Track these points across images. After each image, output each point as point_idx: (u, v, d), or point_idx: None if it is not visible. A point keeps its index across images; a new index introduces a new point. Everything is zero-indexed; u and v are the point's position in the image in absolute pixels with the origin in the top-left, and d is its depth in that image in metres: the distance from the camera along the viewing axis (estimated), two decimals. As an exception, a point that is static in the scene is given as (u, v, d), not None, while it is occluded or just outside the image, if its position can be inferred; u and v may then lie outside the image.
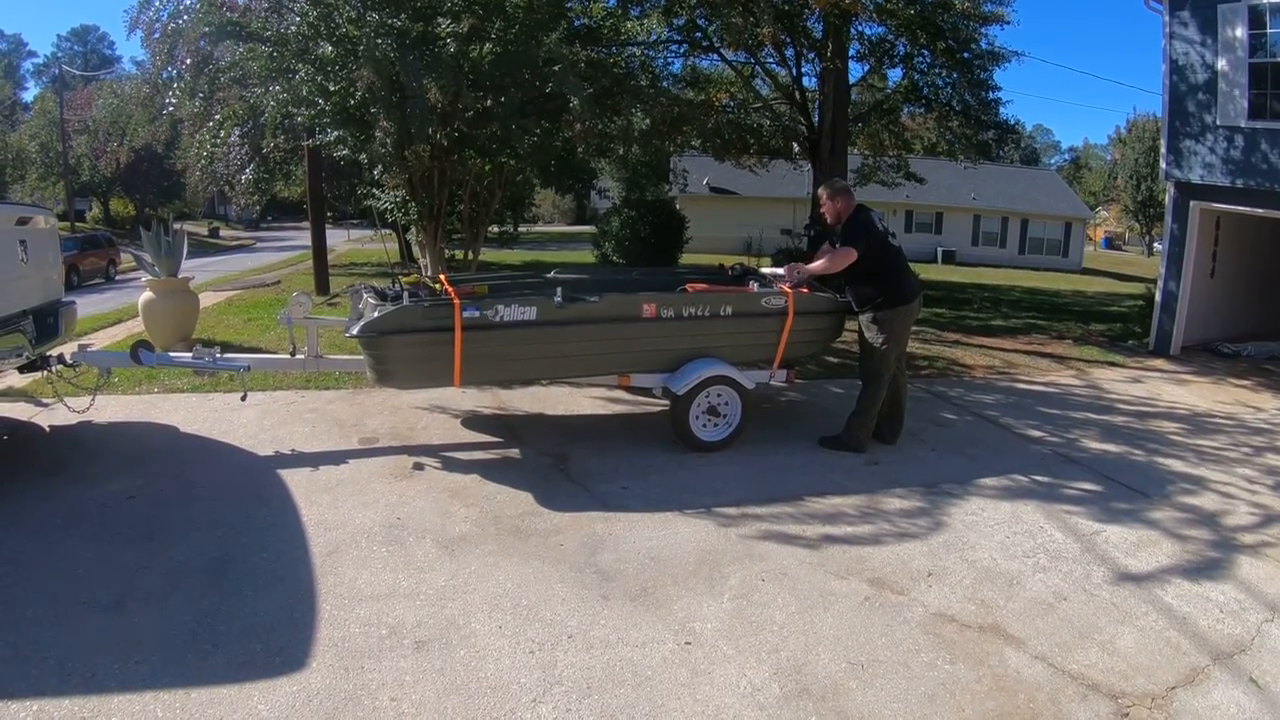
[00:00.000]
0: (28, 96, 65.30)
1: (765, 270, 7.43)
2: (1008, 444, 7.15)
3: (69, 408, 6.56)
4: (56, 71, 52.53)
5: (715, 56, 18.21)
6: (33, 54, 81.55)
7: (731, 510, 5.26)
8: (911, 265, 6.75)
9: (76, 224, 41.33)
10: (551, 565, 4.43)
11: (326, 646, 3.59)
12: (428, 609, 3.93)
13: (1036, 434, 7.42)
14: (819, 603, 4.16)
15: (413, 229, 12.65)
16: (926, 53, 16.94)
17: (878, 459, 6.44)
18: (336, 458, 6.00)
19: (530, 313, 5.76)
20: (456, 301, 5.64)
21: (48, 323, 6.26)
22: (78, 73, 56.69)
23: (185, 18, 8.23)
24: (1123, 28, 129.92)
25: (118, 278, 25.66)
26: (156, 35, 8.26)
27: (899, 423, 6.86)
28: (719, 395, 6.36)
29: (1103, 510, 5.59)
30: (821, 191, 6.84)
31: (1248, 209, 11.36)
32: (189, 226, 48.34)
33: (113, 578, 4.14)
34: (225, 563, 4.33)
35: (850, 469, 6.18)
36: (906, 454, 6.64)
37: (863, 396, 6.60)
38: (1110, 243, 66.03)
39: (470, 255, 12.34)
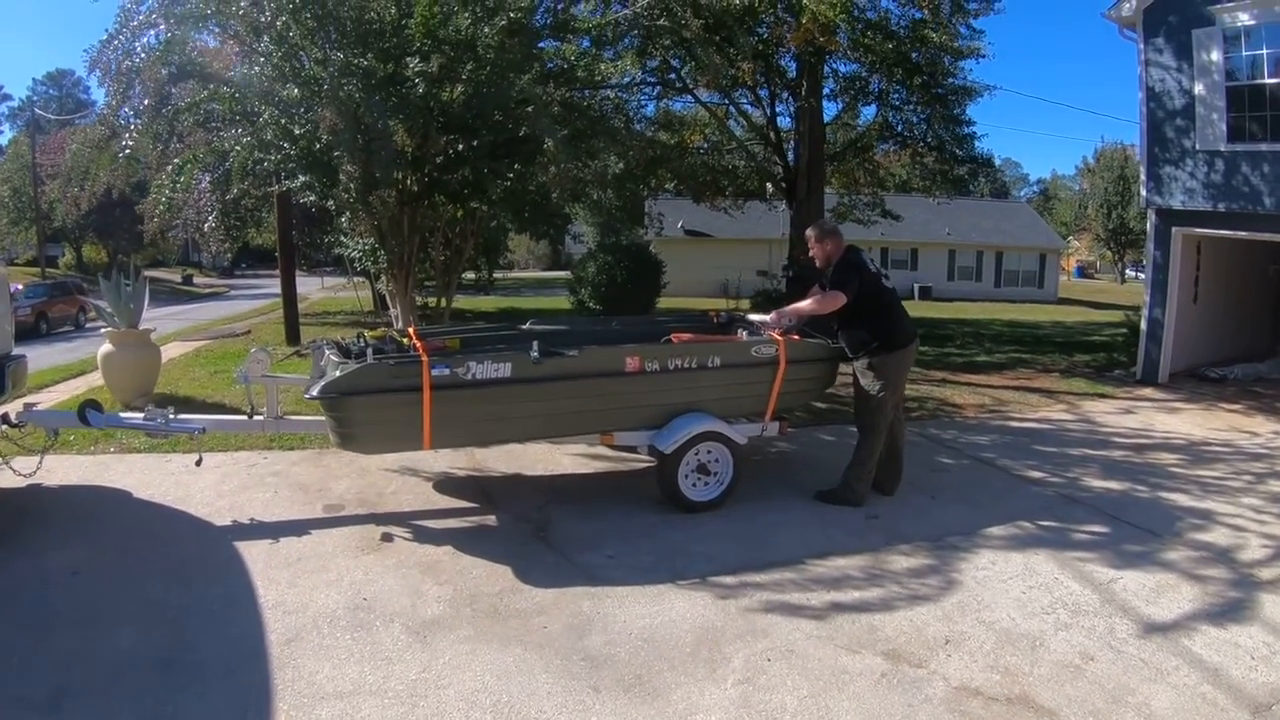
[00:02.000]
0: (1, 140, 64.99)
1: (753, 317, 7.12)
2: (1009, 487, 6.89)
3: (15, 471, 6.14)
4: (30, 115, 52.07)
5: (689, 98, 18.17)
6: (7, 97, 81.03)
7: (729, 579, 4.89)
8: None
9: (48, 270, 40.98)
10: (534, 651, 4.02)
11: (283, 756, 3.19)
12: (396, 709, 3.52)
13: (1036, 474, 7.20)
14: (832, 683, 3.79)
15: (383, 277, 12.33)
16: (901, 89, 16.94)
17: (877, 512, 6.11)
18: (299, 528, 5.60)
19: (505, 369, 5.40)
20: (425, 359, 5.28)
21: None
22: (51, 116, 56.16)
23: (141, 55, 7.91)
24: (1088, 57, 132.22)
25: (87, 325, 25.07)
26: (113, 72, 7.93)
27: (897, 472, 6.53)
28: (709, 452, 6.00)
29: (1116, 555, 5.35)
30: (810, 233, 6.53)
31: (1230, 232, 11.36)
32: (161, 273, 48.31)
33: (50, 668, 3.76)
34: (174, 651, 3.93)
35: (850, 525, 5.84)
36: (907, 504, 6.32)
37: (860, 447, 6.26)
38: (1083, 271, 66.81)
39: (443, 303, 12.01)
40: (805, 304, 6.34)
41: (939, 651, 4.10)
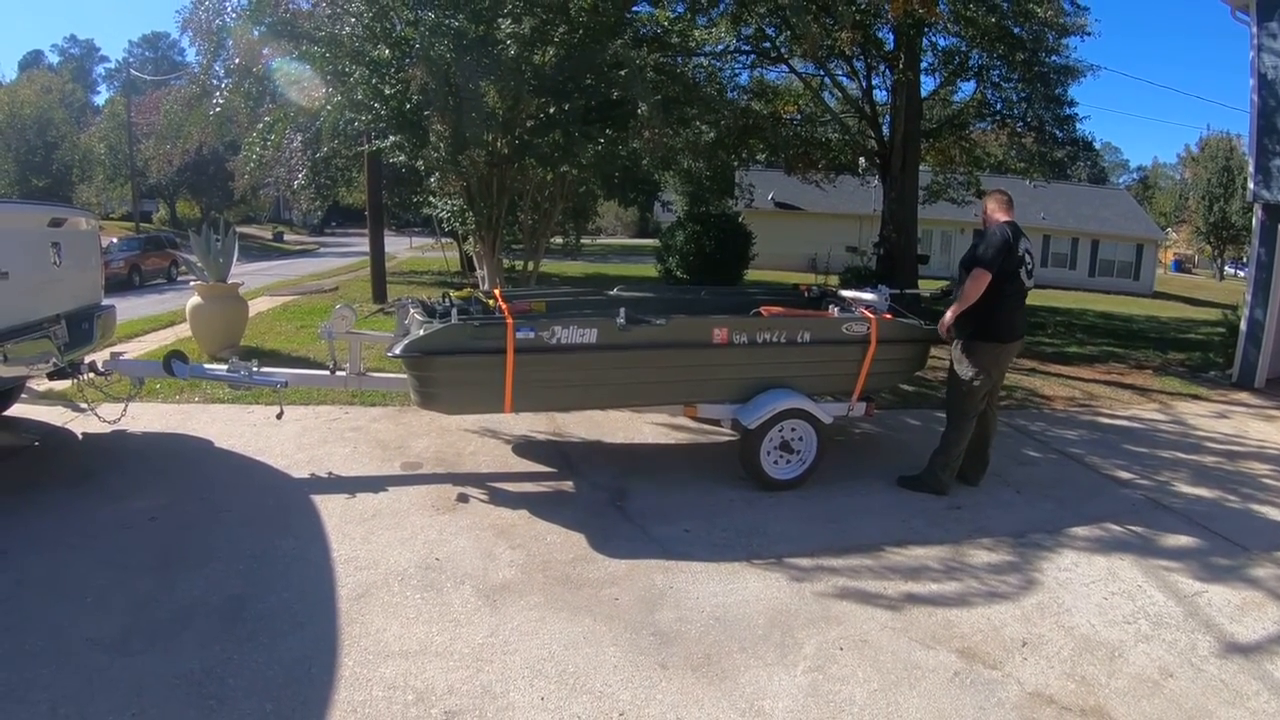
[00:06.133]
0: (99, 100, 67.01)
1: (846, 293, 6.93)
2: (1096, 487, 6.60)
3: (100, 418, 6.31)
4: (126, 76, 53.55)
5: (783, 68, 17.85)
6: (105, 59, 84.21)
7: (805, 561, 4.76)
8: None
9: (142, 225, 42.22)
10: (604, 623, 3.96)
11: (345, 711, 3.19)
12: (461, 672, 3.49)
13: (1125, 475, 6.88)
14: (904, 678, 3.66)
15: (470, 239, 12.39)
16: (1001, 65, 16.44)
17: (960, 503, 5.90)
18: (375, 484, 5.62)
19: (590, 335, 5.32)
20: (509, 321, 5.22)
21: (81, 328, 6.04)
22: (147, 77, 57.69)
23: (232, 14, 8.00)
24: (1197, 38, 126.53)
25: (179, 279, 25.68)
26: (204, 31, 8.04)
27: (983, 463, 6.28)
28: (793, 430, 5.85)
29: (1202, 567, 5.08)
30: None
31: (1340, 233, 10.66)
32: (253, 230, 49.46)
33: (121, 610, 3.83)
34: (243, 601, 3.96)
35: (932, 514, 5.66)
36: (991, 497, 6.10)
37: (947, 434, 6.04)
38: (1180, 265, 64.42)
39: (530, 267, 12.00)
40: (952, 310, 5.95)
41: (1015, 654, 3.94)
